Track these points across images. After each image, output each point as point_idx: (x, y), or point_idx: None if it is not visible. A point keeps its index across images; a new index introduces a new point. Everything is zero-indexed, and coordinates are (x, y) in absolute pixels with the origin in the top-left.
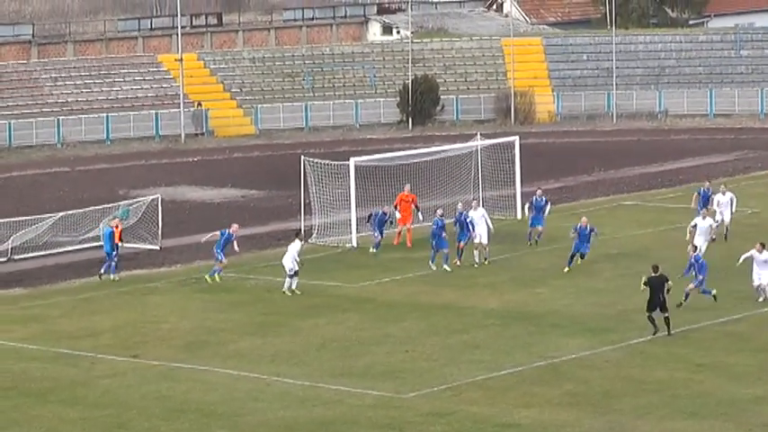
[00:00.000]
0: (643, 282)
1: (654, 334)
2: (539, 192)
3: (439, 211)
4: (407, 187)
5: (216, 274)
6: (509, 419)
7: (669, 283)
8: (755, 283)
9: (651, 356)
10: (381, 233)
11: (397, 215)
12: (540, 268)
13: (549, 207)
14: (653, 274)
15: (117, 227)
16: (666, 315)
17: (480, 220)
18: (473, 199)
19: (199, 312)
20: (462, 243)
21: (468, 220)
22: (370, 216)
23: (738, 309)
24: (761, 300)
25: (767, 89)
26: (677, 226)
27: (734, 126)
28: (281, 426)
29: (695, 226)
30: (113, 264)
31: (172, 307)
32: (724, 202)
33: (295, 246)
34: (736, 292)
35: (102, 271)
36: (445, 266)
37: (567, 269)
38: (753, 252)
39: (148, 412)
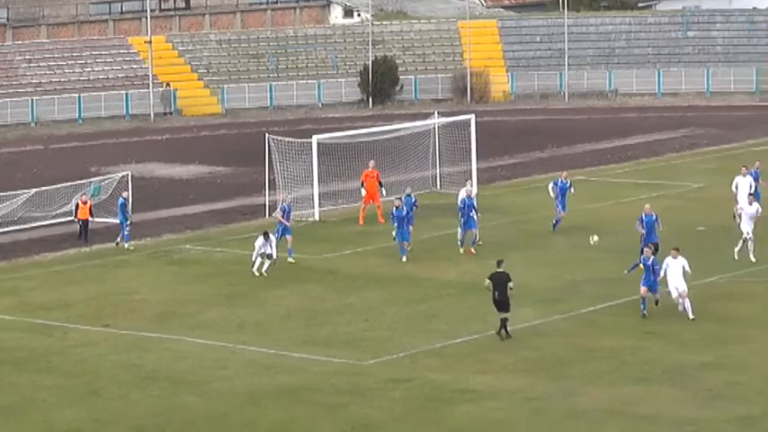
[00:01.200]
0: (487, 278)
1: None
2: (564, 174)
3: (397, 203)
4: (372, 164)
5: (292, 255)
6: (465, 385)
7: (511, 283)
8: (673, 294)
9: (601, 325)
10: None
11: (363, 192)
12: (494, 241)
13: (572, 190)
14: (497, 270)
15: (86, 203)
16: (505, 316)
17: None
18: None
19: (168, 284)
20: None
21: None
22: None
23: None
24: (681, 309)
25: (713, 69)
26: (626, 200)
27: (681, 104)
28: (248, 392)
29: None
30: (126, 233)
31: (142, 279)
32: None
33: (258, 241)
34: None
35: (119, 240)
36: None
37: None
38: (667, 259)
39: (120, 380)
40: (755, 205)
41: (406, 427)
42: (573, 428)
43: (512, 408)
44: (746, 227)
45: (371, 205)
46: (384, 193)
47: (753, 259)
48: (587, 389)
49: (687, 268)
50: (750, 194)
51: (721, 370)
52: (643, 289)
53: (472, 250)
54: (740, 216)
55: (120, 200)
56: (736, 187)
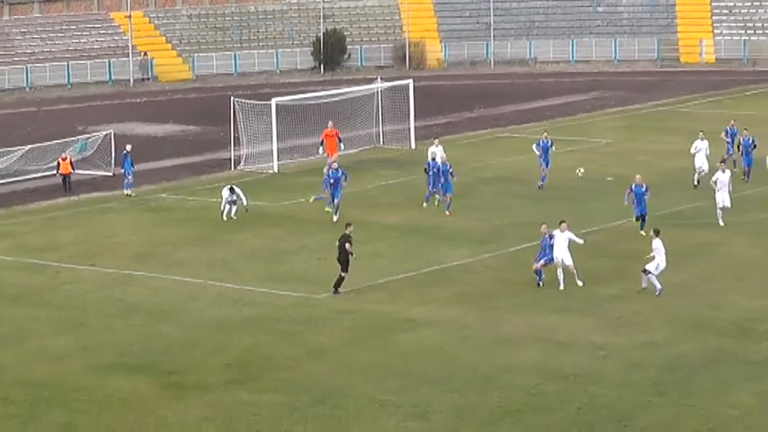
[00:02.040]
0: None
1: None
2: (545, 134)
3: (335, 165)
4: (330, 123)
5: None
6: (406, 315)
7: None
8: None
9: (524, 263)
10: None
11: (321, 150)
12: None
13: (553, 148)
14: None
15: (65, 159)
16: (342, 275)
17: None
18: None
19: (146, 228)
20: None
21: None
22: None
23: (596, 222)
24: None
25: (620, 39)
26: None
27: (592, 71)
28: (217, 322)
29: (716, 181)
30: (129, 182)
31: (123, 224)
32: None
33: (225, 192)
34: (592, 210)
35: (125, 189)
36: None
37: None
38: (555, 231)
39: (105, 312)
40: (728, 173)
41: (354, 351)
42: (499, 353)
43: (445, 335)
44: (721, 196)
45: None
46: (342, 147)
47: (721, 224)
48: (511, 318)
49: (575, 239)
50: (722, 161)
51: (628, 302)
52: (540, 263)
53: (448, 213)
54: (715, 183)
55: (124, 152)
56: (696, 150)
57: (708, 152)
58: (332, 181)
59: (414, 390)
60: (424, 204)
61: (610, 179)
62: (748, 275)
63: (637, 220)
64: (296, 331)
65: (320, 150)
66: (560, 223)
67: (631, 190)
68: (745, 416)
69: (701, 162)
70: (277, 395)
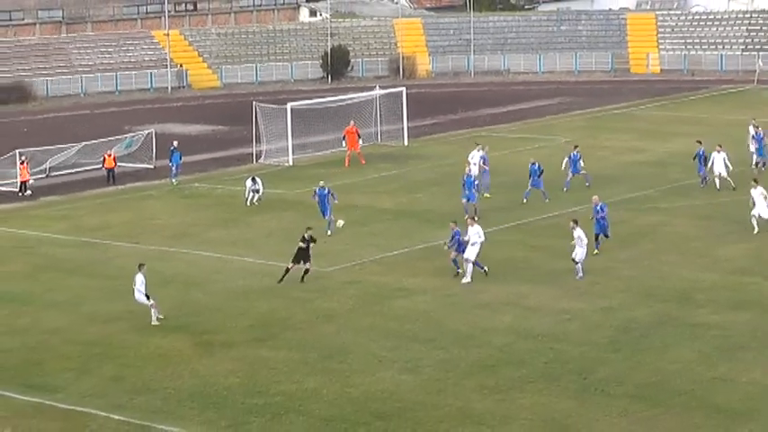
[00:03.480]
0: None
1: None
2: (576, 149)
3: (321, 183)
4: (351, 122)
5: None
6: (400, 285)
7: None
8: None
9: (497, 242)
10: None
11: (343, 143)
12: (419, 179)
13: (582, 162)
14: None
15: (110, 155)
16: (307, 267)
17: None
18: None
19: (181, 212)
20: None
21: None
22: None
23: (557, 208)
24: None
25: (580, 53)
26: (517, 149)
27: (556, 80)
28: (240, 290)
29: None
30: (175, 172)
31: (162, 208)
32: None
33: (248, 182)
34: (556, 198)
35: (174, 180)
36: None
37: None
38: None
39: (147, 282)
40: (759, 188)
41: (357, 315)
42: (479, 315)
43: (434, 301)
44: (757, 210)
45: (353, 152)
46: (361, 142)
47: (756, 231)
48: (489, 287)
49: (481, 237)
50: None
51: (587, 274)
52: (454, 254)
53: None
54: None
55: (171, 148)
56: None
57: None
58: (316, 199)
59: (407, 347)
60: (547, 200)
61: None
62: (690, 252)
63: (596, 238)
64: (308, 298)
65: (343, 144)
66: (469, 219)
67: (594, 211)
68: (685, 369)
69: (720, 168)
70: (291, 352)
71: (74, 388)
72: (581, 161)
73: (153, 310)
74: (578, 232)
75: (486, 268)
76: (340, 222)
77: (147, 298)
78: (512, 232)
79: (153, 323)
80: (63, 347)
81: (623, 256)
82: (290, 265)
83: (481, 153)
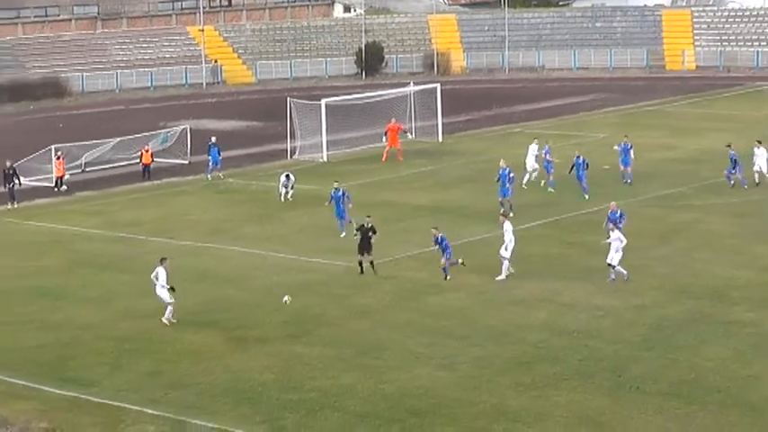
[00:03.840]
0: (355, 228)
1: (360, 273)
2: (626, 138)
3: (335, 184)
4: (393, 119)
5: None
6: (434, 281)
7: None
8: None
9: (534, 237)
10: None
11: (384, 140)
12: (454, 176)
13: (632, 153)
14: (364, 225)
15: (147, 151)
16: (371, 258)
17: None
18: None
19: (216, 208)
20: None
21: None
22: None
23: (594, 204)
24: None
25: (614, 50)
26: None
27: (590, 76)
28: (275, 286)
29: None
30: (211, 168)
31: (197, 204)
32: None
33: (282, 178)
34: (590, 194)
35: (211, 173)
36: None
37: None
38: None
39: (181, 278)
40: None
41: (392, 311)
42: (514, 312)
43: (468, 297)
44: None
45: (392, 148)
46: (410, 136)
47: None
48: (524, 283)
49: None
50: None
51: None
52: (443, 260)
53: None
54: None
55: (209, 143)
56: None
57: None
58: (331, 202)
59: (442, 344)
60: (587, 196)
61: (606, 168)
62: (724, 249)
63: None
64: (342, 294)
65: (383, 140)
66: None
67: (608, 217)
68: (720, 367)
69: (761, 163)
70: (326, 348)
71: (108, 382)
72: (632, 152)
73: (169, 309)
74: (617, 234)
75: (460, 260)
76: (286, 299)
77: (173, 290)
78: (548, 228)
79: (163, 320)
80: (97, 343)
81: (657, 254)
82: (359, 257)
83: (545, 146)
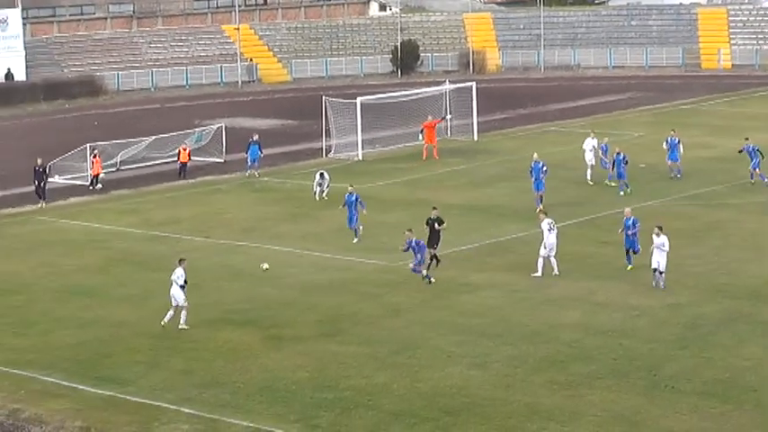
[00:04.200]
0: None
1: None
2: (672, 132)
3: (350, 188)
4: (430, 117)
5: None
6: (468, 280)
7: (444, 225)
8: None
9: (569, 237)
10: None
11: (420, 137)
12: (488, 174)
13: (681, 146)
14: (431, 217)
15: (185, 149)
16: (434, 252)
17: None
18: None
19: (251, 206)
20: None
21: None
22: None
23: (630, 202)
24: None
25: (650, 48)
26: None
27: (626, 75)
28: (310, 284)
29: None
30: (250, 165)
31: (232, 202)
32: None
33: (317, 177)
34: (637, 192)
35: (250, 170)
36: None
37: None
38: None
39: (216, 276)
40: None
41: (425, 310)
42: (547, 311)
43: (501, 296)
44: None
45: (429, 145)
46: (449, 117)
47: None
48: (558, 282)
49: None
50: None
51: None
52: (412, 264)
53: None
54: None
55: (250, 140)
56: None
57: None
58: (344, 206)
59: (475, 343)
60: (621, 193)
61: (642, 166)
62: (760, 248)
63: (627, 252)
64: (376, 293)
65: (420, 137)
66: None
67: (626, 225)
68: (757, 366)
69: None
70: (360, 347)
71: (144, 381)
72: (680, 146)
73: (184, 313)
74: (662, 239)
75: (430, 278)
76: (264, 265)
77: (183, 289)
78: (583, 227)
79: (181, 326)
80: (133, 341)
81: (692, 253)
82: (431, 251)
83: (598, 142)
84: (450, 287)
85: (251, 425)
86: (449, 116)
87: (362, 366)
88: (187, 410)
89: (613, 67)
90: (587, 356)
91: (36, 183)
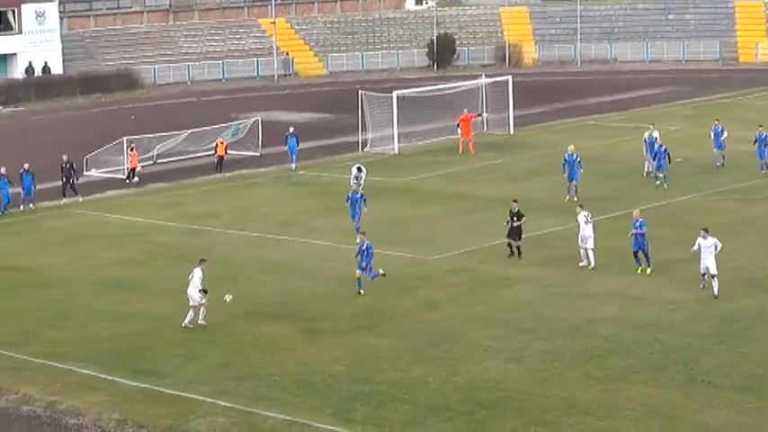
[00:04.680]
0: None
1: (509, 257)
2: (716, 121)
3: (354, 187)
4: (466, 110)
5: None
6: (504, 274)
7: (524, 219)
8: (702, 270)
9: (605, 230)
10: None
11: (458, 131)
12: (525, 168)
13: (725, 134)
14: (512, 210)
15: (223, 143)
16: (518, 244)
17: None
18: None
19: (287, 199)
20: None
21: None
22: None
23: (666, 196)
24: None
25: (687, 42)
26: (624, 139)
27: (663, 68)
28: (346, 278)
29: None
30: (291, 157)
31: (268, 196)
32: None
33: (354, 170)
34: (675, 185)
35: (293, 165)
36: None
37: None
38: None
39: (252, 269)
40: None
41: (461, 303)
42: (583, 305)
43: (537, 291)
44: None
45: (465, 139)
46: (486, 114)
47: None
48: (593, 277)
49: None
50: None
51: (693, 263)
52: (358, 272)
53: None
54: None
55: (287, 133)
56: None
57: None
58: (348, 203)
59: (512, 337)
60: (657, 183)
61: (678, 160)
62: None
63: (635, 255)
64: (413, 286)
65: (457, 131)
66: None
67: (634, 226)
68: None
69: None
70: (397, 340)
71: (181, 374)
72: (724, 134)
73: (202, 311)
74: (711, 241)
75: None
76: (227, 297)
77: (205, 293)
78: (619, 221)
79: (200, 321)
80: (171, 334)
81: (728, 247)
82: (508, 240)
83: (659, 134)
84: (488, 281)
85: (287, 418)
86: (485, 114)
87: (399, 360)
88: (223, 403)
89: (650, 60)
90: (624, 351)
91: (64, 179)
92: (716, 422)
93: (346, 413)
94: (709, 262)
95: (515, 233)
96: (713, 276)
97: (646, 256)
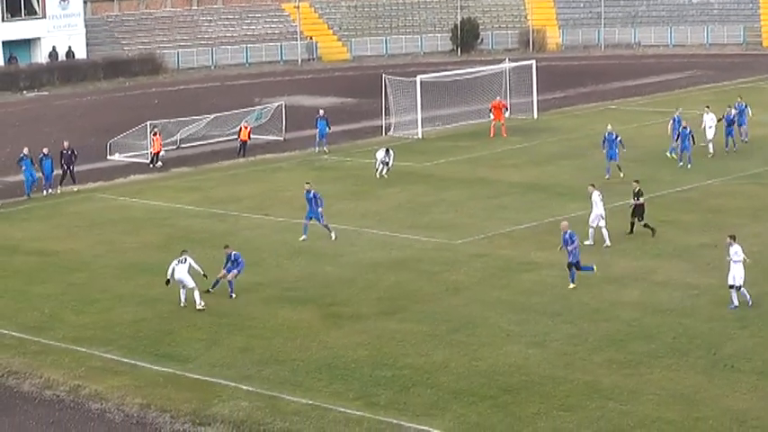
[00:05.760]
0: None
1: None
2: (739, 98)
3: (306, 186)
4: (498, 98)
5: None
6: (528, 259)
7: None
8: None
9: (628, 214)
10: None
11: (491, 116)
12: (549, 152)
13: (749, 109)
14: (634, 191)
15: (246, 128)
16: (644, 222)
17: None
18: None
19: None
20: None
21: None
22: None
23: (690, 180)
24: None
25: (711, 26)
26: (647, 123)
27: (687, 53)
28: (370, 263)
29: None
30: (318, 141)
31: (292, 180)
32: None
33: (379, 153)
34: (687, 170)
35: (319, 147)
36: None
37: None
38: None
39: (276, 254)
40: None
41: (485, 288)
42: (606, 290)
43: (561, 275)
44: None
45: (498, 122)
46: (508, 114)
47: None
48: (618, 261)
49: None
50: None
51: (716, 249)
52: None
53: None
54: None
55: (317, 116)
56: None
57: None
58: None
59: (534, 321)
60: (681, 164)
61: (703, 144)
62: None
63: (569, 268)
64: (436, 271)
65: (490, 116)
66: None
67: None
68: None
69: None
70: (419, 324)
71: (204, 358)
72: (748, 110)
73: (196, 293)
74: (735, 248)
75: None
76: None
77: (205, 278)
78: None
79: (198, 307)
80: (194, 318)
81: (750, 231)
82: (632, 219)
83: (714, 116)
84: (510, 266)
85: (310, 402)
86: (507, 113)
87: (421, 344)
88: (246, 387)
89: (674, 45)
90: (647, 335)
91: (65, 166)
92: (738, 406)
93: (369, 397)
94: (735, 271)
95: (638, 212)
96: (739, 288)
97: (577, 269)
